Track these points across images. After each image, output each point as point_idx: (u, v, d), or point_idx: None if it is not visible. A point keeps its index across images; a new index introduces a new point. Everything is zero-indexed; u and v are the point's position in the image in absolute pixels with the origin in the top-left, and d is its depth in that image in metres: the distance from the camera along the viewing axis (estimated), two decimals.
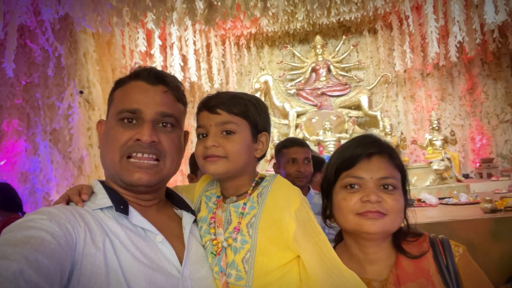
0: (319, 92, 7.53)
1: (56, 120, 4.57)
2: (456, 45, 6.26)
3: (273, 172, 1.86)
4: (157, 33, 5.92)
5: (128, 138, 0.86)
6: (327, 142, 6.65)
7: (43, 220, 0.73)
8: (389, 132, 6.40)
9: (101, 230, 0.80)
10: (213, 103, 0.95)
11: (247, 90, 8.15)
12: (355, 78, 7.66)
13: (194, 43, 6.61)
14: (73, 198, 0.87)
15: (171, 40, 6.37)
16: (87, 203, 0.86)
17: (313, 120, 7.25)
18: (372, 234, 0.90)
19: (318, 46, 7.61)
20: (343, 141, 6.60)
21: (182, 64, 6.38)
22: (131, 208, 0.86)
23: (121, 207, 0.84)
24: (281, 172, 2.01)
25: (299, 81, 7.82)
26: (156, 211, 0.93)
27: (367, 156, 0.93)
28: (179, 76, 6.30)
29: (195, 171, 2.25)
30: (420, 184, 5.82)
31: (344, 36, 7.74)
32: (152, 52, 6.02)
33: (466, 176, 6.83)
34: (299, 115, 7.55)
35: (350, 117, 7.37)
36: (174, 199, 1.01)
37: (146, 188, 0.88)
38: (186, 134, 1.02)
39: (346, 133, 7.00)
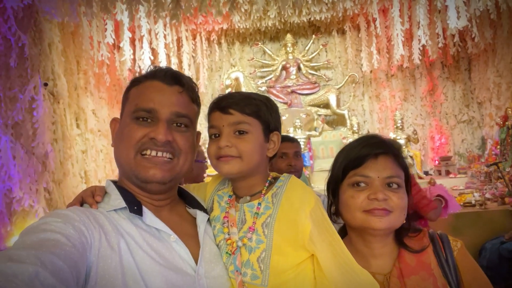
0: (289, 90, 7.64)
1: (19, 113, 4.33)
2: (419, 48, 6.56)
3: None
4: (126, 25, 5.75)
5: (143, 135, 0.87)
6: (297, 139, 6.75)
7: (57, 223, 0.73)
8: (356, 131, 6.61)
9: (116, 231, 0.80)
10: (225, 104, 0.95)
11: (217, 86, 8.12)
12: (324, 77, 7.84)
13: (165, 36, 6.49)
14: (87, 200, 0.87)
15: (140, 33, 6.22)
16: (101, 204, 0.87)
17: (283, 118, 7.33)
18: (378, 230, 0.94)
19: (289, 45, 7.72)
20: (312, 139, 6.76)
21: (152, 58, 6.24)
22: (144, 209, 0.86)
23: (135, 208, 0.85)
24: (273, 167, 2.04)
25: (270, 79, 7.90)
26: (169, 211, 0.94)
27: (374, 156, 0.97)
28: None
29: None
30: None
31: (314, 35, 7.89)
32: (121, 45, 5.84)
33: (426, 173, 7.20)
34: None
35: (319, 115, 7.55)
36: (186, 198, 1.01)
37: (159, 186, 0.89)
38: (198, 134, 1.02)
39: (315, 131, 7.16)
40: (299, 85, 7.69)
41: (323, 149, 7.11)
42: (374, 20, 6.88)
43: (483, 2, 5.08)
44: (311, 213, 0.86)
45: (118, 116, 0.99)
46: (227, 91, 7.64)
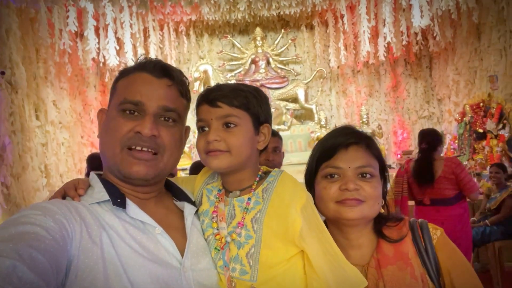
0: (258, 83, 7.62)
1: None
2: (384, 45, 6.77)
3: None
4: (91, 13, 5.51)
5: (129, 130, 0.84)
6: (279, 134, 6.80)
7: (37, 216, 0.71)
8: (324, 125, 6.74)
9: (97, 224, 0.78)
10: (213, 96, 0.91)
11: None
12: (293, 71, 7.91)
13: (131, 26, 6.29)
14: (69, 192, 0.85)
15: (105, 22, 5.98)
16: (84, 197, 0.85)
17: None
18: (351, 220, 0.94)
19: (258, 38, 7.71)
20: (281, 133, 6.81)
21: (118, 48, 6.02)
22: (128, 201, 0.85)
23: (118, 200, 0.83)
24: None
25: (239, 72, 7.86)
26: (154, 203, 0.92)
27: (345, 147, 0.97)
28: (115, 60, 5.95)
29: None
30: None
31: (283, 30, 7.92)
32: (85, 33, 5.60)
33: (389, 166, 7.47)
34: None
35: (288, 109, 7.62)
36: (174, 191, 0.99)
37: (143, 182, 0.87)
38: (187, 129, 0.99)
39: (284, 125, 7.22)
40: (268, 79, 7.71)
41: (291, 143, 7.19)
42: (342, 16, 7.02)
43: (445, 2, 5.30)
44: (302, 209, 0.85)
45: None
46: (195, 84, 7.54)
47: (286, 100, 7.69)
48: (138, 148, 0.85)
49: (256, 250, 0.86)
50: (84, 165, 6.99)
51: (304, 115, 7.91)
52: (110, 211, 0.82)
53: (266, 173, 0.97)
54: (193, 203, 0.97)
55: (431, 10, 5.80)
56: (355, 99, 8.13)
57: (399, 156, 7.80)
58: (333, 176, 0.97)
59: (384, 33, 6.52)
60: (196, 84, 7.51)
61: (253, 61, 7.82)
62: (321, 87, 7.95)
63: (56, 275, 0.65)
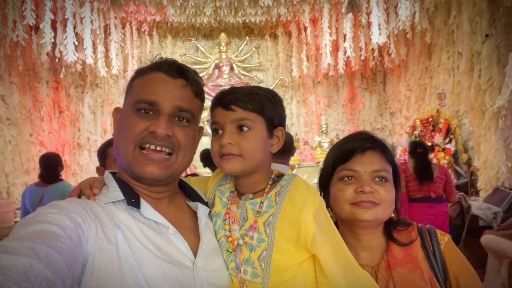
0: (221, 89, 7.62)
1: None
2: (344, 59, 7.07)
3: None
4: (48, 6, 5.24)
5: (143, 129, 0.85)
6: None
7: (53, 214, 0.72)
8: None
9: (113, 223, 0.79)
10: (227, 99, 0.92)
11: None
12: (256, 79, 8.00)
13: (92, 22, 6.05)
14: (85, 191, 0.87)
15: (64, 16, 5.71)
16: (99, 196, 0.86)
17: None
18: (365, 222, 0.97)
19: (223, 44, 7.72)
20: None
21: (77, 43, 5.77)
22: (142, 201, 0.86)
23: (133, 200, 0.84)
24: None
25: (202, 76, 7.79)
26: (167, 203, 0.93)
27: (362, 151, 1.00)
28: (73, 56, 5.69)
29: (104, 164, 2.03)
30: (310, 181, 6.40)
31: (247, 37, 7.99)
32: (41, 26, 5.30)
33: None
34: None
35: None
36: (187, 191, 1.00)
37: (156, 182, 0.88)
38: (201, 129, 1.00)
39: None
40: (231, 84, 7.72)
41: None
42: (305, 28, 7.24)
43: (402, 22, 5.64)
44: (315, 214, 0.86)
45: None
46: None
47: None
48: (152, 147, 0.85)
49: (268, 253, 0.87)
50: (31, 165, 6.58)
51: None
52: (125, 210, 0.83)
53: (279, 177, 0.98)
54: (206, 204, 0.98)
55: (388, 28, 6.15)
56: (315, 109, 8.38)
57: None
58: (349, 179, 1.00)
59: (344, 48, 6.80)
60: None
61: (217, 66, 7.82)
62: (282, 96, 8.09)
63: (72, 273, 0.67)
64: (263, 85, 8.05)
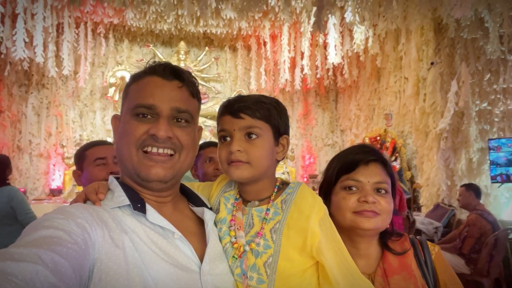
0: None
1: None
2: (300, 76, 7.32)
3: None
4: None
5: (143, 132, 0.86)
6: None
7: (60, 220, 0.72)
8: None
9: (119, 228, 0.79)
10: (236, 107, 0.94)
11: (98, 82, 7.49)
12: (214, 89, 7.99)
13: (44, 19, 5.72)
14: (90, 197, 0.87)
15: (14, 10, 5.34)
16: (104, 201, 0.86)
17: None
18: (366, 231, 1.02)
19: (182, 52, 7.65)
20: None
21: (27, 40, 5.41)
22: (148, 207, 0.86)
23: (139, 205, 0.84)
24: (199, 172, 2.00)
25: None
26: (172, 208, 0.93)
27: (366, 163, 1.06)
28: (22, 53, 5.32)
29: (81, 167, 1.96)
30: None
31: (207, 47, 8.00)
32: None
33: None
34: None
35: (206, 125, 7.64)
36: (189, 196, 0.99)
37: (161, 184, 0.88)
38: (200, 129, 1.00)
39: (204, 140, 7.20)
40: None
41: None
42: (265, 43, 7.40)
43: (357, 45, 5.99)
44: (320, 222, 0.88)
45: None
46: (110, 90, 7.12)
47: (205, 116, 7.71)
48: (155, 149, 0.86)
49: (274, 260, 0.88)
50: None
51: None
52: (131, 215, 0.84)
53: (284, 184, 1.00)
54: (210, 209, 0.98)
55: (343, 50, 6.50)
56: None
57: (305, 179, 8.37)
58: (351, 188, 1.05)
59: (302, 65, 7.06)
60: (111, 90, 7.10)
61: None
62: None
63: (79, 279, 0.67)
64: (221, 96, 8.10)
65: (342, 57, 6.66)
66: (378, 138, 6.89)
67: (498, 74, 4.83)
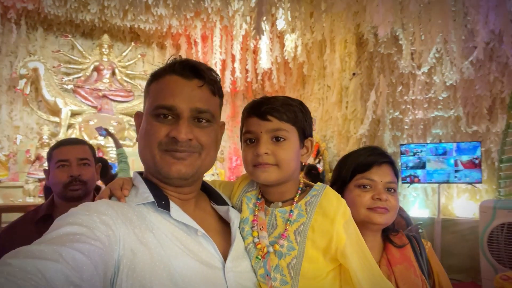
0: (100, 93, 7.06)
1: None
2: (230, 79, 7.40)
3: None
4: None
5: (164, 134, 0.86)
6: (108, 147, 6.30)
7: (84, 216, 0.73)
8: None
9: (144, 225, 0.80)
10: (264, 110, 0.92)
11: (6, 72, 6.68)
12: (140, 87, 7.63)
13: None
14: (115, 193, 0.87)
15: None
16: (129, 197, 0.87)
17: (91, 123, 6.71)
18: (378, 225, 1.13)
19: (105, 46, 7.19)
20: (125, 149, 6.42)
21: None
22: (172, 204, 0.86)
23: (163, 202, 0.85)
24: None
25: (78, 78, 7.09)
26: (194, 205, 0.94)
27: (379, 164, 1.16)
28: None
29: (49, 166, 1.71)
30: None
31: (133, 43, 7.62)
32: None
33: None
34: (73, 114, 6.82)
35: (131, 125, 7.28)
36: (211, 194, 0.98)
37: (182, 181, 0.88)
38: (222, 125, 0.98)
39: (126, 141, 6.85)
40: (112, 90, 7.22)
41: (133, 160, 6.85)
42: (196, 44, 7.32)
43: (288, 53, 6.26)
44: (345, 225, 0.88)
45: None
46: (20, 82, 6.40)
47: (130, 115, 7.34)
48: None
49: (298, 261, 0.88)
50: None
51: None
52: (155, 212, 0.84)
53: (307, 186, 1.00)
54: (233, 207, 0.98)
55: (272, 56, 6.74)
56: None
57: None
58: (365, 187, 1.15)
59: (234, 67, 7.13)
60: (22, 82, 6.39)
61: (97, 69, 7.21)
62: None
63: (102, 276, 0.67)
64: None
65: (272, 63, 6.90)
66: None
67: (408, 87, 5.46)
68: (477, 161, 4.80)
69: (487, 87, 4.86)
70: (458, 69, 4.87)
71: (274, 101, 0.96)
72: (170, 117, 0.87)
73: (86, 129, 6.62)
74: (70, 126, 6.76)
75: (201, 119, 0.89)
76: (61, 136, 6.55)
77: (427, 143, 5.22)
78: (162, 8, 5.99)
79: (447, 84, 5.10)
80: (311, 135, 1.02)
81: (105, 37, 7.22)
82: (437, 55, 5.04)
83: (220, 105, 0.97)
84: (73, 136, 6.61)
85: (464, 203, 5.21)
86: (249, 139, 0.96)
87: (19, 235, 1.49)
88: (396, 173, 1.23)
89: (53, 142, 6.18)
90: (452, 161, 4.92)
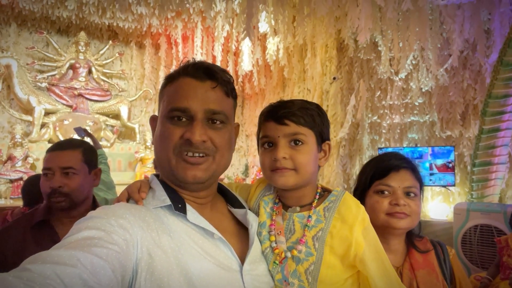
0: (76, 92, 6.86)
1: None
2: None
3: None
4: None
5: (179, 137, 0.86)
6: None
7: (102, 220, 0.73)
8: (150, 146, 6.63)
9: (162, 228, 0.80)
10: (281, 114, 0.92)
11: None
12: (117, 86, 7.48)
13: None
14: (134, 196, 0.87)
15: None
16: (146, 200, 0.87)
17: (66, 122, 6.51)
18: (398, 230, 1.14)
19: (82, 43, 6.99)
20: (105, 149, 6.26)
21: None
22: (188, 207, 0.86)
23: (179, 206, 0.85)
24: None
25: (53, 75, 6.86)
26: (210, 208, 0.94)
27: (397, 169, 1.17)
28: None
29: None
30: None
31: (110, 41, 7.45)
32: None
33: None
34: (47, 113, 6.59)
35: (107, 125, 7.12)
36: (227, 197, 0.98)
37: (198, 185, 0.88)
38: (237, 126, 0.98)
39: (102, 141, 6.68)
40: (88, 89, 7.02)
41: (111, 162, 6.68)
42: (177, 44, 7.24)
43: (270, 56, 6.29)
44: (364, 232, 0.88)
45: None
46: None
47: (107, 115, 7.18)
48: (190, 154, 0.85)
49: (316, 267, 0.87)
50: None
51: (123, 134, 7.54)
52: (172, 215, 0.84)
53: (325, 191, 0.99)
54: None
55: (253, 58, 6.76)
56: None
57: None
58: (383, 192, 1.16)
59: None
60: None
61: (72, 67, 7.00)
62: (145, 108, 7.81)
63: (120, 279, 0.68)
64: (125, 94, 7.64)
65: (253, 65, 6.92)
66: None
67: (386, 92, 5.61)
68: (450, 165, 4.98)
69: (461, 94, 5.07)
70: (434, 76, 5.05)
71: (291, 105, 0.96)
72: (184, 119, 0.87)
73: (61, 128, 6.40)
74: (43, 125, 6.53)
75: (215, 121, 0.89)
76: (34, 136, 6.33)
77: (404, 147, 5.38)
78: (143, 7, 5.89)
79: (423, 90, 5.28)
80: (328, 139, 1.02)
81: (82, 34, 7.03)
82: (414, 62, 5.22)
83: (234, 106, 0.97)
84: (46, 136, 6.40)
85: (438, 205, 5.39)
86: (266, 143, 0.96)
87: (14, 240, 1.43)
88: (418, 178, 1.23)
89: (25, 142, 5.97)
90: (427, 164, 5.09)
